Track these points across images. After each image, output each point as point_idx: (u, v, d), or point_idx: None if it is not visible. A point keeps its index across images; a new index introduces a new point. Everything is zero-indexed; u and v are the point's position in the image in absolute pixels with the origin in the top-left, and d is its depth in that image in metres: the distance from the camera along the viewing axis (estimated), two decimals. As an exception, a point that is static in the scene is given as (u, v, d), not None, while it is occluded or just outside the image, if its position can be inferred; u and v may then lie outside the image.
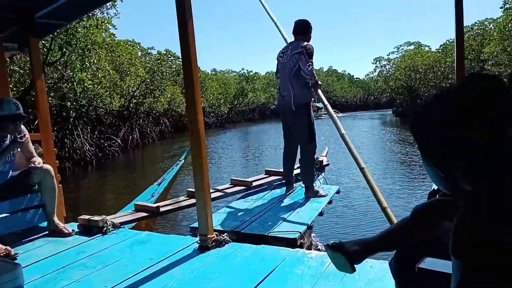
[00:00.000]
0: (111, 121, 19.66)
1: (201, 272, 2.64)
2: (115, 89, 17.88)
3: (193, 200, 4.32)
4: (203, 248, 2.99)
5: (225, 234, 3.14)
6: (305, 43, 4.32)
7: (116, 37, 18.84)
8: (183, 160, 5.54)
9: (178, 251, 3.00)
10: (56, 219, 3.61)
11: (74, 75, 13.55)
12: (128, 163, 16.43)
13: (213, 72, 44.15)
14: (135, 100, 21.30)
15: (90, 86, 14.10)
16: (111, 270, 2.77)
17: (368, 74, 73.44)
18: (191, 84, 2.89)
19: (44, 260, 3.02)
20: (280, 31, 5.05)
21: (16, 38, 3.99)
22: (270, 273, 2.54)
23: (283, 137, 4.65)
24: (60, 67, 13.55)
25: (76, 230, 3.63)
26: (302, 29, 4.46)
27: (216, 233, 3.10)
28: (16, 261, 2.78)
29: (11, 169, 3.54)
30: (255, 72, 45.36)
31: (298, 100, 4.31)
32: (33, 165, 3.42)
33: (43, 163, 3.61)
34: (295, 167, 4.80)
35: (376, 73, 58.82)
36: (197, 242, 3.08)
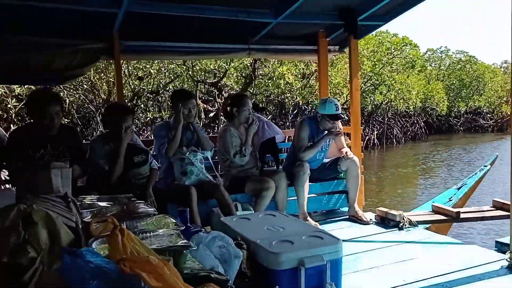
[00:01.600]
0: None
1: (512, 295, 2.33)
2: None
3: (500, 212, 3.85)
4: (513, 268, 2.64)
5: (545, 259, 2.65)
6: None
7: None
8: (489, 166, 4.95)
9: (480, 264, 2.75)
10: (356, 206, 3.93)
11: (274, 69, 12.54)
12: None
13: (496, 66, 34.32)
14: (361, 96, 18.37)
15: (289, 80, 12.77)
16: (408, 266, 2.80)
17: None
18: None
19: (346, 242, 3.31)
20: None
21: (337, 41, 4.51)
22: None
23: None
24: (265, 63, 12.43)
25: (374, 220, 3.85)
26: None
27: (533, 255, 2.66)
28: None
29: (325, 157, 4.07)
30: None
31: None
32: (344, 154, 3.84)
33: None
34: None
35: None
36: (506, 259, 2.73)
